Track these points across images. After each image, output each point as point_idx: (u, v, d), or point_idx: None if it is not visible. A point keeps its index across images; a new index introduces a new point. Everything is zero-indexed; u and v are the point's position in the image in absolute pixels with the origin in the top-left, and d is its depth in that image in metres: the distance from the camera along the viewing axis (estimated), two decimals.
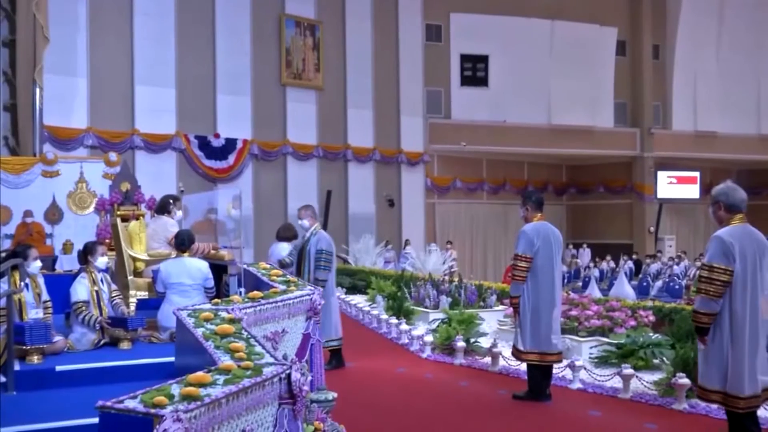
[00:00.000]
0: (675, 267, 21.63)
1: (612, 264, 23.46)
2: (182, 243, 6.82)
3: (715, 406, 5.97)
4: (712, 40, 29.24)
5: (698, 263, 20.07)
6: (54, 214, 14.42)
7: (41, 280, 6.36)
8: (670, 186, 29.54)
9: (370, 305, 11.88)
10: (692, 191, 29.66)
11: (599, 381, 7.01)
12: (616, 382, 6.84)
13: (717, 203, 5.04)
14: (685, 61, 29.01)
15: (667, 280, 18.22)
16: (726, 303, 4.82)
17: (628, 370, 6.67)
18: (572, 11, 27.01)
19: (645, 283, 18.17)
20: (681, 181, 29.64)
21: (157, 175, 17.77)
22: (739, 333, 4.81)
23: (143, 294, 7.41)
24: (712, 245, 4.91)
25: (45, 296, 6.32)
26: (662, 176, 29.32)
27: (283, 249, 9.22)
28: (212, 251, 7.38)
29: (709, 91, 29.14)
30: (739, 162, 30.55)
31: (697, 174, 29.90)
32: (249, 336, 3.86)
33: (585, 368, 7.21)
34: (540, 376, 6.51)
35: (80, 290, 6.35)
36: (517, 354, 6.57)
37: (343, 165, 23.62)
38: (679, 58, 29.06)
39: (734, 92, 29.06)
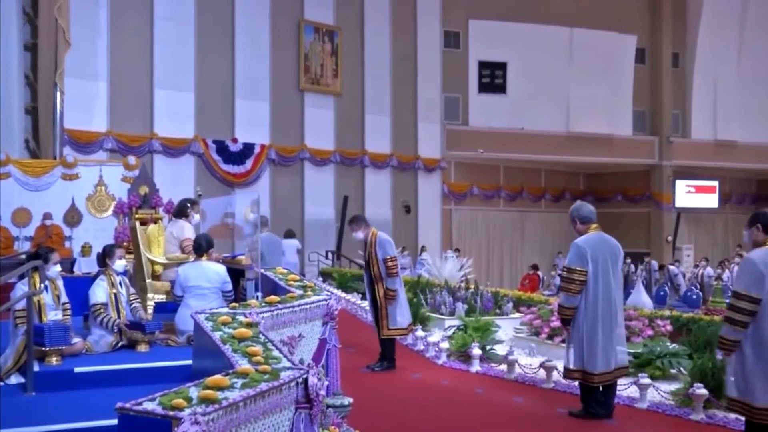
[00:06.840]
0: (703, 270, 20.54)
1: (631, 267, 23.10)
2: (200, 247, 6.86)
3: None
4: (733, 47, 28.99)
5: (718, 270, 19.86)
6: (73, 217, 14.53)
7: (60, 282, 6.42)
8: (689, 195, 29.21)
9: None
10: (711, 200, 29.37)
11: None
12: (633, 392, 6.80)
13: (573, 219, 6.13)
14: (705, 69, 28.74)
15: (686, 287, 18.00)
16: (582, 297, 5.86)
17: (645, 380, 6.63)
18: (591, 18, 26.87)
19: (662, 293, 18.02)
20: (700, 190, 29.33)
21: (175, 179, 17.86)
22: (593, 322, 5.85)
23: (161, 297, 7.46)
24: (570, 251, 5.94)
25: (64, 298, 6.37)
26: (681, 185, 29.01)
27: (291, 244, 12.07)
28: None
29: (729, 100, 28.85)
30: (759, 171, 30.26)
31: (716, 183, 29.59)
32: (266, 340, 3.89)
33: None
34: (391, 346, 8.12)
35: (99, 293, 6.41)
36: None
37: (360, 171, 23.64)
38: (699, 66, 28.80)
39: (755, 101, 28.74)
